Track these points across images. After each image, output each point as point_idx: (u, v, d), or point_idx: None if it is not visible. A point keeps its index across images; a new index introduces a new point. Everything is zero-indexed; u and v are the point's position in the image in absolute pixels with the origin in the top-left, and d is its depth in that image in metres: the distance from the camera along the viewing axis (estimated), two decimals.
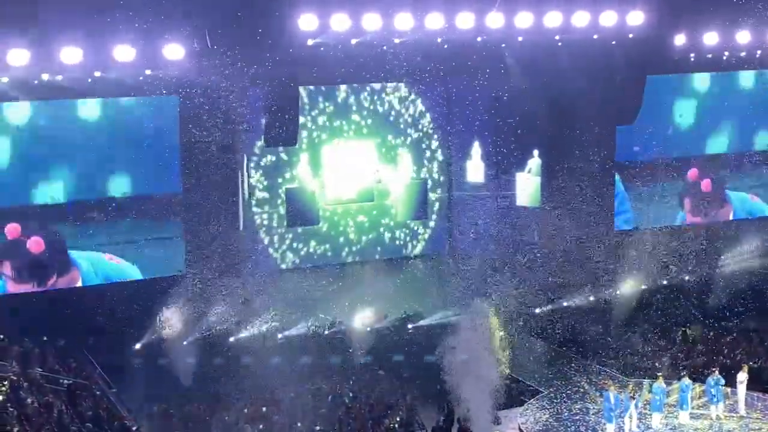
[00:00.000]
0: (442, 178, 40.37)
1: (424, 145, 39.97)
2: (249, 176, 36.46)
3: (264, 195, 37.52)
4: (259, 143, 36.00)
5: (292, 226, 37.95)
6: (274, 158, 37.49)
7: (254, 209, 37.41)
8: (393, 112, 39.26)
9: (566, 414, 29.07)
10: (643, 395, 28.61)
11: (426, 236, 40.51)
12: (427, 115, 39.70)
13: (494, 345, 28.21)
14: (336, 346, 33.80)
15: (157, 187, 34.04)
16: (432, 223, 40.39)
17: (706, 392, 28.46)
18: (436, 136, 40.08)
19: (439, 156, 40.21)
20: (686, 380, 28.25)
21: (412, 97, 39.27)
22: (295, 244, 38.44)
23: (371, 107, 38.92)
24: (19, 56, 28.86)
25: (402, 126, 39.49)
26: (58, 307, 31.91)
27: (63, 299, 32.42)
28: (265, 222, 37.72)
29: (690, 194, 40.92)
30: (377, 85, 38.67)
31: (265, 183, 37.55)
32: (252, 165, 37.06)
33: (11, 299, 31.92)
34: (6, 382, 27.20)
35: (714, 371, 28.63)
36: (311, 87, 37.65)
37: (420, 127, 39.72)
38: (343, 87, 38.23)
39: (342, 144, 38.50)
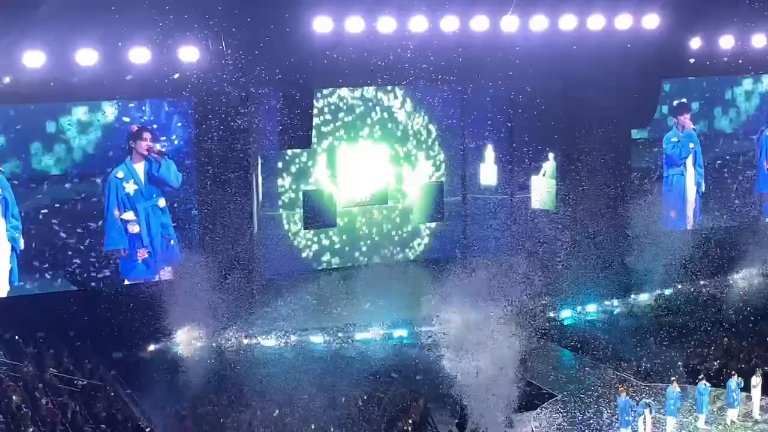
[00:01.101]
0: (455, 181, 40.31)
1: (438, 149, 39.92)
2: (277, 178, 36.58)
3: (290, 197, 37.62)
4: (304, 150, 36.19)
5: (309, 227, 37.97)
6: (299, 164, 37.55)
7: (281, 211, 37.47)
8: (405, 120, 39.22)
9: (580, 417, 28.97)
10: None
11: (439, 239, 40.46)
12: (439, 119, 39.62)
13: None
14: (349, 349, 33.76)
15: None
16: (442, 226, 40.33)
17: (727, 395, 28.31)
18: (450, 140, 40.03)
19: (453, 159, 40.17)
20: (704, 383, 28.11)
21: (419, 111, 39.16)
22: (310, 247, 38.43)
23: (384, 116, 38.88)
24: (33, 58, 28.98)
25: (415, 131, 39.42)
26: (72, 308, 32.00)
27: (78, 300, 32.51)
28: (286, 223, 37.74)
29: None
30: (388, 101, 38.63)
31: (293, 187, 37.63)
32: (280, 168, 37.13)
33: (26, 300, 32.03)
34: (21, 383, 27.27)
35: (734, 374, 28.50)
36: (332, 105, 37.72)
37: (433, 130, 39.65)
38: (358, 102, 38.21)
39: (357, 148, 38.48)
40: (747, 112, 41.87)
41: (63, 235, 32.84)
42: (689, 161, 41.00)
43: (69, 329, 31.59)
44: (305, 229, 38.07)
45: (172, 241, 34.09)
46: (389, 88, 38.54)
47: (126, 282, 33.70)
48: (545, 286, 35.90)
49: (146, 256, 33.91)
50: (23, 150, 32.13)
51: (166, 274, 33.97)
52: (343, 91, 38.09)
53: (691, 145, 40.93)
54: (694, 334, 34.33)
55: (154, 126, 33.66)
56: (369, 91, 38.56)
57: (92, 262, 33.37)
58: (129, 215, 33.54)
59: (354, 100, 38.48)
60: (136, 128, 33.30)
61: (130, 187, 33.49)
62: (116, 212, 33.37)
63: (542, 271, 36.46)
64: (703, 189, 41.39)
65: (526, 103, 37.52)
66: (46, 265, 32.81)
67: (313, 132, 35.75)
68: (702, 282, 38.56)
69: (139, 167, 33.58)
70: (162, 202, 33.90)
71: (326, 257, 38.91)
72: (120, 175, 33.32)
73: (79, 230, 33.02)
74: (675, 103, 40.40)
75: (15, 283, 32.33)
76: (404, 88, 38.56)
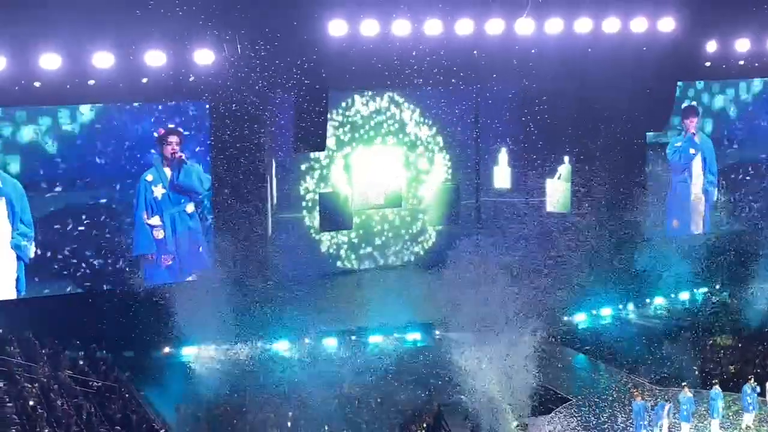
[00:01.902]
0: (470, 185, 40.29)
1: (452, 152, 39.89)
2: (293, 181, 36.63)
3: (306, 199, 37.64)
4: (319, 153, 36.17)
5: (326, 230, 37.94)
6: (316, 167, 37.55)
7: (295, 213, 37.49)
8: (419, 125, 39.19)
9: (594, 422, 28.90)
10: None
11: (453, 242, 40.38)
12: (454, 123, 39.54)
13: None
14: (363, 352, 33.75)
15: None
16: (456, 229, 40.30)
17: (742, 400, 28.23)
18: (464, 143, 40.00)
19: (467, 162, 40.15)
20: (716, 389, 28.03)
21: (433, 114, 39.05)
22: (325, 249, 38.45)
23: (399, 122, 38.86)
24: (50, 61, 29.09)
25: (429, 135, 39.39)
26: (88, 310, 32.08)
27: (94, 301, 32.59)
28: (301, 226, 37.76)
29: None
30: (401, 112, 38.58)
31: (309, 189, 37.64)
32: (297, 171, 37.17)
33: (42, 302, 32.13)
34: (36, 384, 27.38)
35: (750, 378, 28.41)
36: (349, 117, 37.74)
37: (447, 134, 39.60)
38: (374, 113, 38.22)
39: (372, 152, 38.48)
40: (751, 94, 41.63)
41: (79, 240, 32.73)
42: (697, 167, 40.65)
43: (85, 331, 31.65)
44: (321, 231, 38.04)
45: (201, 248, 33.95)
46: (401, 100, 38.50)
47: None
48: (559, 290, 35.88)
49: (170, 263, 33.80)
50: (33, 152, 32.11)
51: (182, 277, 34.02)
52: (360, 105, 38.08)
53: (692, 151, 40.53)
54: (710, 338, 34.23)
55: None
56: (384, 102, 38.52)
57: (112, 266, 33.34)
58: (155, 220, 33.43)
59: (370, 112, 38.45)
60: (162, 131, 33.25)
61: (159, 191, 33.36)
62: (144, 216, 33.32)
63: (556, 274, 36.45)
64: (716, 197, 41.09)
65: (541, 106, 37.44)
66: (61, 271, 32.70)
67: (333, 138, 35.82)
68: (717, 287, 38.45)
69: (168, 171, 33.51)
70: (190, 207, 33.72)
71: (340, 260, 38.91)
72: (149, 178, 33.17)
73: (96, 234, 32.93)
74: (683, 105, 40.14)
75: (22, 292, 32.15)
76: (418, 95, 38.51)
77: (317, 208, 37.92)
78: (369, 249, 39.31)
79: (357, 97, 38.30)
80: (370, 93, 38.29)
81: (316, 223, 38.10)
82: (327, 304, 35.30)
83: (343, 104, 38.07)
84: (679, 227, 40.65)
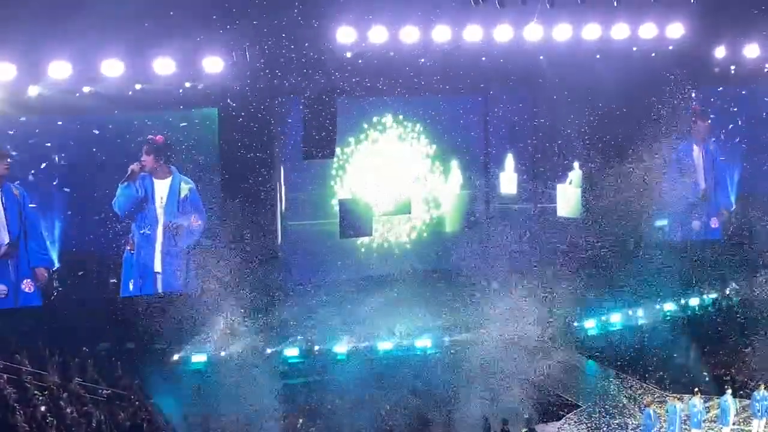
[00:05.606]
0: (480, 191, 40.25)
1: (463, 159, 39.85)
2: (304, 188, 36.64)
3: (318, 207, 37.62)
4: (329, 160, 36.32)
5: (346, 237, 37.84)
6: (329, 174, 37.54)
7: (305, 221, 37.42)
8: (430, 133, 39.16)
9: (605, 428, 28.84)
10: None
11: (463, 249, 40.36)
12: (463, 130, 39.45)
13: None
14: (373, 359, 33.74)
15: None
16: (467, 236, 40.22)
17: (751, 406, 28.16)
18: (474, 150, 39.96)
19: (478, 169, 40.10)
20: (728, 396, 27.95)
21: (442, 122, 38.97)
22: (335, 257, 38.38)
23: (405, 131, 38.85)
24: (60, 69, 29.16)
25: (439, 142, 39.35)
26: (99, 317, 32.12)
27: (103, 309, 32.63)
28: (312, 234, 37.70)
29: None
30: (407, 119, 38.60)
31: (322, 197, 37.57)
32: (308, 178, 37.16)
33: (51, 309, 32.18)
34: (46, 392, 27.42)
35: (760, 385, 28.33)
36: (360, 122, 37.73)
37: (457, 141, 39.55)
38: (382, 120, 38.26)
39: (384, 159, 38.43)
40: None
41: None
42: (703, 172, 40.61)
43: (95, 338, 31.70)
44: (341, 238, 37.86)
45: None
46: (410, 107, 38.44)
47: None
48: (570, 296, 35.86)
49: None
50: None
51: (193, 285, 34.04)
52: (370, 113, 38.00)
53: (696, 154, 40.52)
54: (721, 344, 34.15)
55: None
56: (393, 109, 38.49)
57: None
58: None
59: (380, 119, 38.43)
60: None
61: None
62: None
63: (566, 280, 36.41)
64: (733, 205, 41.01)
65: (550, 112, 37.45)
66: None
67: (343, 145, 35.83)
68: (729, 292, 38.35)
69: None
70: None
71: (351, 267, 38.81)
72: None
73: None
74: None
75: None
76: (427, 101, 38.44)
77: (328, 214, 37.84)
78: (379, 257, 39.25)
79: (367, 105, 38.26)
80: (381, 100, 38.23)
81: (327, 229, 38.01)
82: (337, 312, 35.29)
83: (354, 112, 38.03)
84: (697, 231, 40.61)
